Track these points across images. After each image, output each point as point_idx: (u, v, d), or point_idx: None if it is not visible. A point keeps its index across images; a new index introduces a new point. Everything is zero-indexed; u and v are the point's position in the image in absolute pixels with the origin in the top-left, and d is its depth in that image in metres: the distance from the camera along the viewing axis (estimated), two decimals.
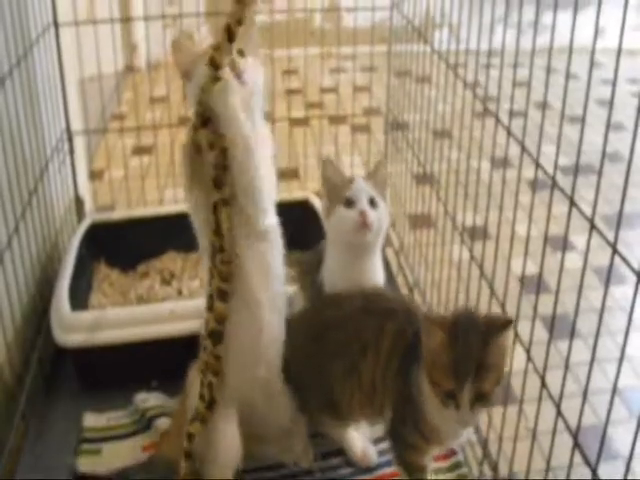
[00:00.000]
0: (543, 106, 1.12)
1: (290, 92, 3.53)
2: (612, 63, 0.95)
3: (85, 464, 1.41)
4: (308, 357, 1.30)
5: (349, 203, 1.33)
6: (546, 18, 1.07)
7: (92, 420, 1.51)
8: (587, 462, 1.04)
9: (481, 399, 1.04)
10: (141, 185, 2.23)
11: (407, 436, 1.19)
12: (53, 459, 1.42)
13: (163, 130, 2.23)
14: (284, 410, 1.33)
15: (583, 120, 1.01)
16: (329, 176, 1.38)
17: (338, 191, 1.36)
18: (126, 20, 3.46)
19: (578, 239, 1.07)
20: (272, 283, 1.21)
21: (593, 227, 1.00)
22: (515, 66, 1.21)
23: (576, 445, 1.07)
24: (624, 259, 0.92)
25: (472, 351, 1.02)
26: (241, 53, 1.12)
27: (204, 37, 1.23)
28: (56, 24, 1.96)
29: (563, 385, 1.10)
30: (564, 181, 1.11)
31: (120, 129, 2.24)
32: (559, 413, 1.12)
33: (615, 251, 0.94)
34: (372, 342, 1.21)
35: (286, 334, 1.28)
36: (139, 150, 2.67)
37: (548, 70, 1.14)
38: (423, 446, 1.20)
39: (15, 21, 1.63)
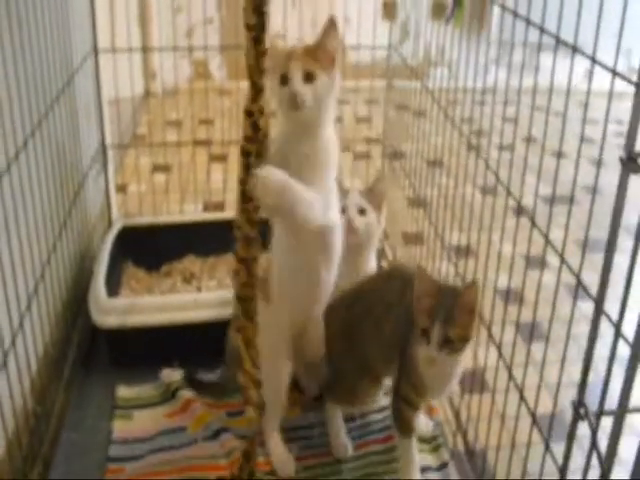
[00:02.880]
0: (528, 141, 1.33)
1: None
2: (599, 104, 1.08)
3: (119, 426, 1.64)
4: (343, 325, 1.53)
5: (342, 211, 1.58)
6: (545, 59, 1.24)
7: (124, 391, 1.74)
8: (542, 435, 1.26)
9: (448, 343, 1.29)
10: (160, 199, 2.47)
11: (402, 389, 1.44)
12: (92, 421, 1.65)
13: (179, 150, 2.47)
14: (319, 343, 1.58)
15: (559, 155, 1.18)
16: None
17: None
18: (148, 50, 3.74)
19: (551, 259, 1.22)
20: (330, 256, 1.47)
21: (563, 261, 1.16)
22: (505, 103, 1.42)
23: (534, 422, 1.29)
24: (585, 288, 1.06)
25: (446, 300, 1.29)
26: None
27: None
28: (96, 51, 2.22)
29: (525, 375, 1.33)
30: (544, 209, 1.27)
31: (149, 144, 2.48)
32: (522, 398, 1.34)
33: (579, 281, 1.08)
34: (395, 303, 1.45)
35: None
36: (158, 168, 2.93)
37: (532, 108, 1.30)
38: (414, 399, 1.44)
39: (61, 48, 1.86)
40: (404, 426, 1.48)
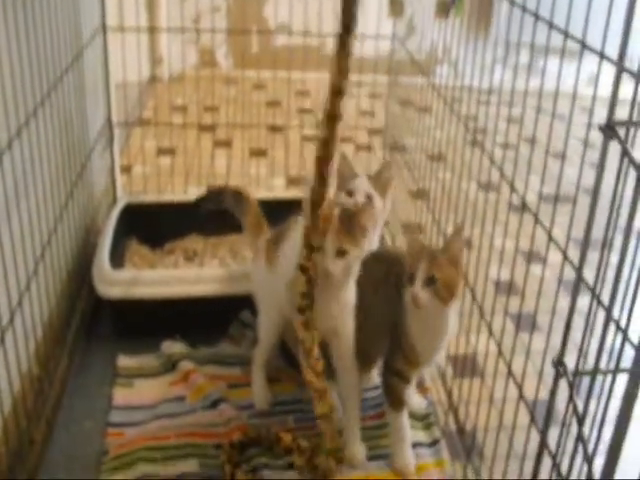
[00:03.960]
0: (532, 141, 1.35)
1: (302, 111, 3.84)
2: (602, 110, 1.05)
3: (119, 394, 1.67)
4: None
5: (349, 193, 1.66)
6: (551, 63, 1.27)
7: (125, 361, 1.78)
8: (527, 407, 1.30)
9: (432, 283, 1.35)
10: (165, 181, 2.51)
11: (395, 363, 1.49)
12: (93, 388, 1.70)
13: (184, 134, 2.50)
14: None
15: (563, 156, 1.22)
16: (341, 168, 1.68)
17: (344, 182, 1.67)
18: (155, 30, 3.78)
19: (548, 255, 1.25)
20: None
21: (565, 258, 1.17)
22: (510, 105, 1.46)
23: (521, 397, 1.33)
24: (586, 284, 1.05)
25: (432, 249, 1.40)
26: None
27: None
28: (104, 29, 2.25)
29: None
30: (543, 207, 1.31)
31: (155, 122, 2.51)
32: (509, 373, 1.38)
33: (580, 275, 1.06)
34: (382, 283, 1.51)
35: None
36: (162, 151, 2.96)
37: (538, 110, 1.31)
38: (406, 371, 1.49)
39: (71, 23, 1.88)
40: (396, 400, 1.52)
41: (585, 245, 1.01)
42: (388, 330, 1.50)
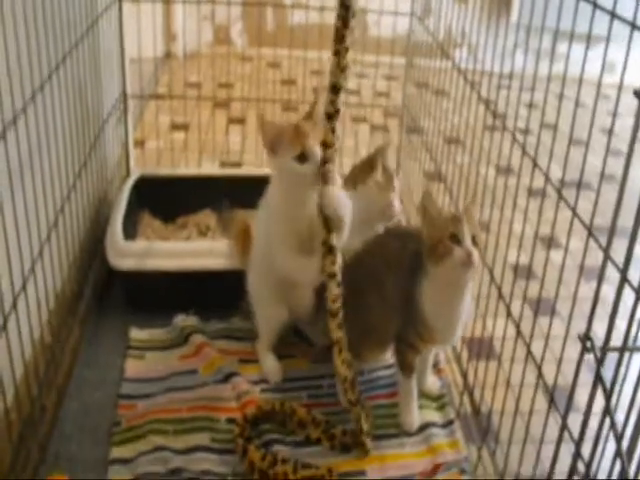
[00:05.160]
0: (555, 128, 1.31)
1: (316, 90, 3.80)
2: (622, 98, 1.07)
3: (131, 365, 1.66)
4: (346, 292, 1.49)
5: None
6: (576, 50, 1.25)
7: (137, 333, 1.76)
8: (547, 389, 1.27)
9: (474, 243, 1.34)
10: (178, 156, 2.48)
11: (408, 337, 1.47)
12: (104, 359, 1.68)
13: (199, 109, 2.47)
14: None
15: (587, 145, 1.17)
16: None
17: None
18: (169, 1, 3.75)
19: (566, 240, 1.23)
20: None
21: (590, 234, 1.14)
22: (533, 89, 1.42)
23: (539, 376, 1.30)
24: (612, 261, 1.03)
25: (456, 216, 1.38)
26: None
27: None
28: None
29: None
30: (565, 193, 1.27)
31: (169, 96, 2.48)
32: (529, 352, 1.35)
33: (607, 254, 1.03)
34: (395, 260, 1.48)
35: None
36: (176, 126, 2.94)
37: (561, 97, 1.27)
38: (420, 345, 1.48)
39: None
40: (406, 366, 1.53)
41: (614, 220, 0.98)
42: (398, 312, 1.48)
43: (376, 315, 1.52)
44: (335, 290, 1.42)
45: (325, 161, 1.38)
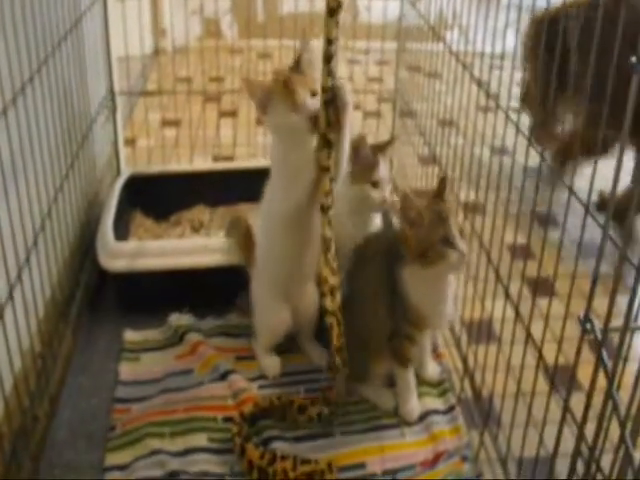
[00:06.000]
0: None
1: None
2: None
3: (126, 368, 1.63)
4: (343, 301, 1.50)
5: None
6: None
7: (131, 335, 1.74)
8: (547, 373, 1.25)
9: (462, 236, 1.33)
10: (170, 153, 2.44)
11: (402, 328, 1.45)
12: (99, 364, 1.66)
13: (189, 105, 2.44)
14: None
15: None
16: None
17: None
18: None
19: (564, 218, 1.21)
20: None
21: (587, 211, 1.11)
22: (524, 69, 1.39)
23: (540, 358, 1.27)
24: (612, 239, 1.01)
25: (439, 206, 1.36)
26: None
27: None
28: None
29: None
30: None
31: (159, 92, 2.45)
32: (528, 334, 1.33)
33: (606, 232, 1.01)
34: (368, 262, 1.48)
35: None
36: (167, 122, 2.90)
37: None
38: (414, 333, 1.47)
39: None
40: (402, 357, 1.50)
41: (612, 197, 0.95)
42: (390, 301, 1.46)
43: (370, 316, 1.50)
44: (327, 185, 1.38)
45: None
